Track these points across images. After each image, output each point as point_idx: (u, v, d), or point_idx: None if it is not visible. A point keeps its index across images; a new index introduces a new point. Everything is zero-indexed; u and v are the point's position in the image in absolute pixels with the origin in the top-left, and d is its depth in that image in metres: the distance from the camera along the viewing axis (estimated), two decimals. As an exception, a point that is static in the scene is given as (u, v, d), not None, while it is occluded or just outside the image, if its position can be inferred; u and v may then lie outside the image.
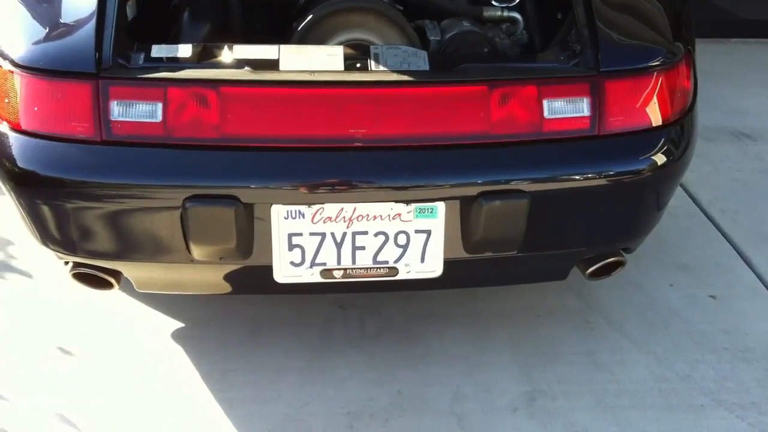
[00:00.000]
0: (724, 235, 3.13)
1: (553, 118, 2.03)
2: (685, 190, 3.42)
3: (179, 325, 2.52)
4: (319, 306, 2.60)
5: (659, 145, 2.11)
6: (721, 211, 3.28)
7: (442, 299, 2.65)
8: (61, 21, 2.02)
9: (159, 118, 1.93)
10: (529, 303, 2.67)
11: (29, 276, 2.73)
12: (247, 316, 2.56)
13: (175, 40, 2.31)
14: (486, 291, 2.69)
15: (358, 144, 1.97)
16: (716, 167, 3.68)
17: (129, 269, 2.15)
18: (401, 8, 2.45)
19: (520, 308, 2.65)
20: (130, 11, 2.24)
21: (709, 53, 4.98)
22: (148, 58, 2.01)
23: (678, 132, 2.16)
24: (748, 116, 4.26)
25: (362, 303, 2.62)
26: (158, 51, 2.04)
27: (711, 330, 2.59)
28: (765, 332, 2.59)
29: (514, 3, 2.59)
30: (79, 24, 1.99)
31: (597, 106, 2.04)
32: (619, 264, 2.27)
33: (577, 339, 2.52)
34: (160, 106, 1.93)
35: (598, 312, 2.65)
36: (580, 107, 2.04)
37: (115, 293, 2.35)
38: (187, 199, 1.92)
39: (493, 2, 2.59)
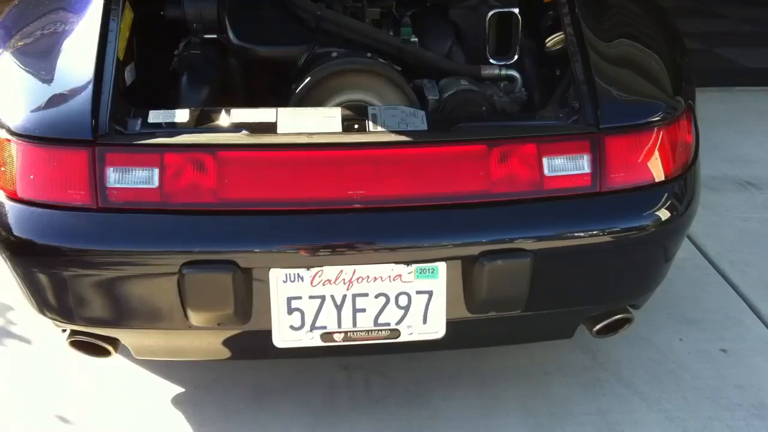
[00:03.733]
0: (733, 287, 3.08)
1: (553, 176, 2.01)
2: (693, 242, 3.38)
3: (180, 390, 2.48)
4: (322, 368, 2.56)
5: (663, 200, 2.09)
6: (729, 263, 3.24)
7: (449, 358, 2.60)
8: (58, 88, 2.02)
9: (156, 183, 1.92)
10: (538, 361, 2.62)
11: (28, 342, 2.70)
12: (250, 379, 2.52)
13: (174, 104, 2.31)
14: (493, 349, 2.64)
15: (357, 205, 1.95)
16: (723, 217, 3.65)
17: (126, 336, 2.12)
18: (399, 68, 2.45)
19: (528, 366, 2.60)
20: (128, 75, 2.26)
21: (713, 102, 5.01)
22: (145, 123, 2.01)
23: (681, 186, 2.14)
24: (753, 165, 4.24)
25: (367, 364, 2.57)
26: (155, 116, 2.04)
27: (723, 385, 2.53)
28: (779, 387, 2.53)
29: (512, 61, 2.60)
30: (75, 91, 2.00)
31: (598, 163, 2.02)
32: (626, 321, 2.22)
33: (587, 398, 2.47)
34: (156, 171, 1.93)
35: (607, 369, 2.60)
36: (581, 164, 2.02)
37: (115, 358, 2.31)
38: (184, 264, 1.90)
39: (491, 61, 2.60)
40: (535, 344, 2.65)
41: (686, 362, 2.63)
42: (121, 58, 2.12)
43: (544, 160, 2.01)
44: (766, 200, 3.84)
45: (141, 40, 2.38)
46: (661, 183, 2.09)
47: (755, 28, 7.24)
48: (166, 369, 2.54)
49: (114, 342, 2.12)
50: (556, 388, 2.51)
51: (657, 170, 2.08)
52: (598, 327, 2.21)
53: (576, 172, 2.02)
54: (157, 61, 2.53)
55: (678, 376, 2.57)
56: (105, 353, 2.13)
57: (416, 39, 2.60)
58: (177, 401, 2.44)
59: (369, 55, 2.44)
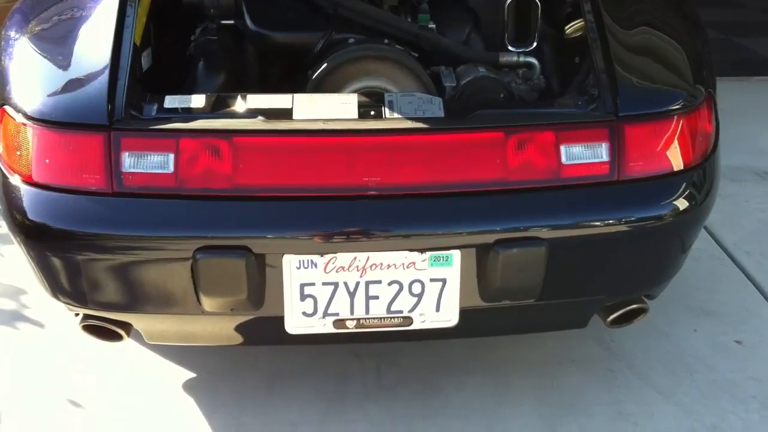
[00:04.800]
0: (749, 278, 3.05)
1: (571, 164, 1.99)
2: (709, 232, 3.35)
3: (192, 375, 2.48)
4: (335, 355, 2.55)
5: (681, 190, 2.06)
6: (746, 254, 3.21)
7: (462, 348, 2.59)
8: (74, 73, 2.01)
9: (171, 168, 1.92)
10: (552, 351, 2.61)
11: (41, 326, 2.71)
12: (263, 366, 2.52)
13: (190, 90, 2.30)
14: (507, 339, 2.62)
15: (372, 192, 1.94)
16: (741, 208, 3.61)
17: (139, 321, 2.12)
18: (416, 55, 2.44)
19: (542, 357, 2.59)
20: (145, 61, 2.26)
21: (730, 91, 4.92)
22: (161, 108, 2.01)
23: (700, 176, 2.11)
24: (772, 155, 4.19)
25: (379, 352, 2.57)
26: (171, 101, 2.03)
27: (739, 378, 2.51)
28: (795, 380, 2.50)
29: (531, 48, 2.57)
30: (92, 76, 1.99)
31: (616, 151, 2.00)
32: (641, 311, 2.20)
33: (601, 389, 2.45)
34: (171, 156, 1.92)
35: (622, 360, 2.58)
36: (599, 152, 2.00)
37: (128, 343, 2.32)
38: (197, 250, 1.90)
39: (510, 47, 2.58)
40: (549, 334, 2.64)
41: (702, 354, 2.61)
42: (138, 44, 2.12)
43: (562, 148, 1.98)
44: (785, 191, 3.80)
45: (158, 26, 2.38)
46: (680, 172, 2.06)
47: (773, 18, 7.16)
48: (178, 355, 2.54)
49: (126, 326, 2.12)
50: (570, 378, 2.50)
51: (676, 159, 2.05)
52: (612, 317, 2.19)
53: (594, 161, 2.00)
54: (174, 47, 2.53)
55: (693, 369, 2.55)
56: (117, 337, 2.13)
57: (434, 26, 2.58)
58: (190, 386, 2.44)
59: (386, 41, 2.42)
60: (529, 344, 2.62)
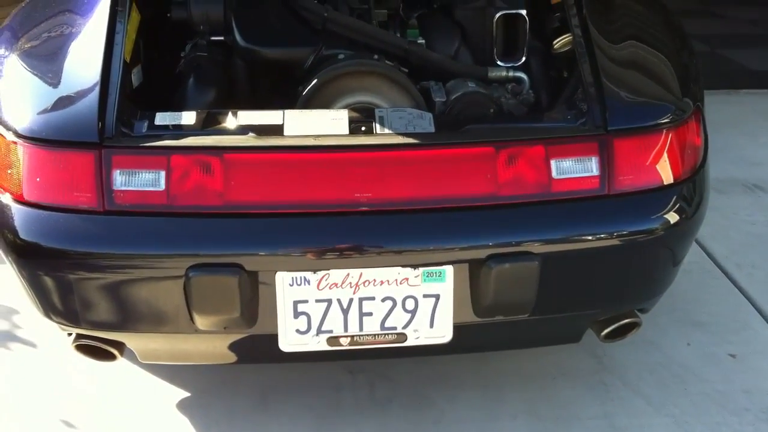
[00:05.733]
0: (740, 290, 3.06)
1: (561, 178, 2.00)
2: (700, 245, 3.36)
3: (186, 394, 2.47)
4: (328, 371, 2.54)
5: (671, 203, 2.07)
6: (737, 266, 3.22)
7: (454, 361, 2.59)
8: (64, 90, 2.01)
9: (162, 186, 1.92)
10: (544, 364, 2.61)
11: (33, 345, 2.69)
12: (255, 382, 2.50)
13: (180, 107, 2.30)
14: (500, 352, 2.62)
15: (364, 208, 1.95)
16: (730, 220, 3.63)
17: (132, 340, 2.11)
18: (406, 70, 2.44)
19: (534, 370, 2.59)
20: (135, 78, 2.25)
21: (718, 104, 4.95)
22: (152, 125, 2.01)
23: (690, 189, 2.12)
24: (760, 167, 4.20)
25: (372, 367, 2.56)
26: (162, 118, 2.03)
27: (731, 390, 2.51)
28: (787, 391, 2.51)
29: (520, 63, 2.58)
30: (82, 93, 1.99)
31: (606, 165, 2.01)
32: (634, 325, 2.20)
33: (594, 402, 2.46)
34: (162, 174, 1.92)
35: (614, 373, 2.58)
36: (589, 166, 2.01)
37: (121, 362, 2.30)
38: (190, 268, 1.89)
39: (499, 62, 2.59)
40: (541, 348, 2.63)
41: (693, 366, 2.62)
42: (128, 61, 2.12)
43: (552, 163, 1.99)
44: (774, 202, 3.82)
45: (148, 43, 2.38)
46: (669, 185, 2.07)
47: (761, 30, 7.20)
48: (171, 373, 2.53)
49: (119, 346, 2.11)
50: (562, 391, 2.50)
51: (666, 173, 2.07)
52: (606, 331, 2.20)
53: (584, 175, 2.01)
54: (164, 64, 2.53)
55: (685, 381, 2.55)
56: (110, 357, 2.12)
57: (423, 41, 2.59)
58: (182, 404, 2.43)
59: (376, 57, 2.43)
60: (521, 357, 2.62)
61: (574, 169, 2.01)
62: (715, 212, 3.57)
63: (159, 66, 2.48)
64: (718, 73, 5.57)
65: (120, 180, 1.92)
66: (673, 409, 2.43)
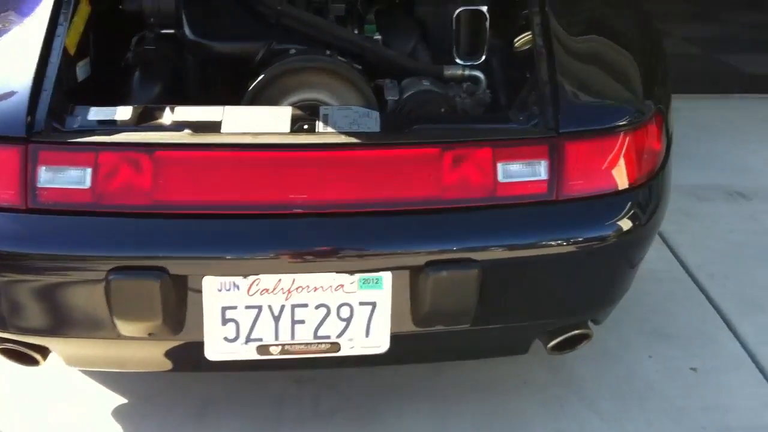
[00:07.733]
0: (711, 301, 2.95)
1: (507, 182, 1.91)
2: (673, 253, 3.26)
3: (123, 401, 2.37)
4: (273, 380, 2.44)
5: (624, 209, 1.98)
6: (709, 276, 3.12)
7: (405, 371, 2.48)
8: None
9: (87, 184, 1.83)
10: (498, 375, 2.51)
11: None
12: (197, 391, 2.40)
13: (124, 101, 2.21)
14: (453, 362, 2.51)
15: (298, 210, 1.85)
16: (708, 228, 3.51)
17: (56, 345, 2.02)
18: (360, 67, 2.35)
19: (487, 380, 2.49)
20: (81, 72, 2.18)
21: (711, 108, 4.87)
22: (85, 121, 1.91)
23: (645, 195, 2.03)
24: (746, 174, 4.07)
25: (320, 377, 2.46)
26: (96, 113, 1.94)
27: (690, 406, 2.41)
28: (747, 409, 2.41)
29: (480, 61, 2.49)
30: (13, 87, 1.90)
31: (555, 170, 1.92)
32: (584, 337, 2.11)
33: (546, 416, 2.36)
34: (89, 171, 1.83)
35: (570, 386, 2.48)
36: (537, 170, 1.92)
37: (54, 363, 2.21)
38: (111, 270, 1.80)
39: (458, 60, 2.49)
40: (498, 359, 2.53)
41: (653, 381, 2.52)
42: (72, 53, 2.05)
43: (499, 166, 1.90)
44: (755, 211, 3.70)
45: (99, 36, 2.29)
46: (623, 191, 1.98)
47: (756, 34, 7.11)
48: (110, 377, 2.42)
49: (43, 351, 2.02)
50: (515, 404, 2.40)
51: (620, 177, 1.97)
52: (553, 343, 2.10)
53: (531, 179, 1.91)
54: (114, 57, 2.44)
55: (643, 396, 2.45)
56: (33, 362, 2.03)
57: (380, 37, 2.50)
58: (117, 412, 2.33)
59: (328, 52, 2.34)
60: (474, 367, 2.51)
61: (521, 172, 1.92)
62: (693, 220, 3.49)
63: (109, 60, 2.40)
64: (714, 77, 5.47)
65: (45, 177, 1.83)
66: (627, 424, 2.33)
